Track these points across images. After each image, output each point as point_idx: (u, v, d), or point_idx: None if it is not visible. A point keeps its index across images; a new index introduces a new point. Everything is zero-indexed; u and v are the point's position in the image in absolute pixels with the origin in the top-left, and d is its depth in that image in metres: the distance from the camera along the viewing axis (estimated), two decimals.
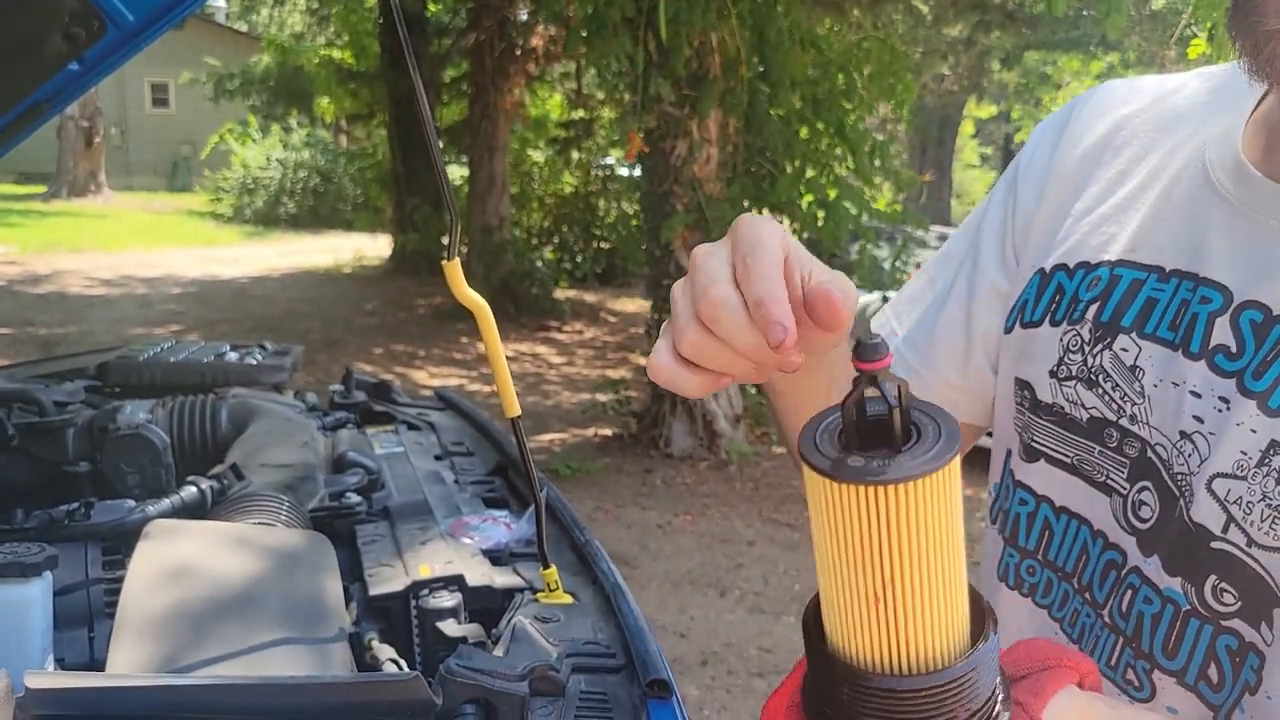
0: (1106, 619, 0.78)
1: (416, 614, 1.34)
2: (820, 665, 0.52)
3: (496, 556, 1.51)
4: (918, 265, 7.34)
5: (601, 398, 7.24)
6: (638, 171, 6.89)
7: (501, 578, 1.41)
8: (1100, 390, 0.79)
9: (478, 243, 11.43)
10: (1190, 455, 0.73)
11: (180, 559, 1.21)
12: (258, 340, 2.44)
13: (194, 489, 1.51)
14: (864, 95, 5.92)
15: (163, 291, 12.25)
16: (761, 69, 5.64)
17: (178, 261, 14.77)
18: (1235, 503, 0.70)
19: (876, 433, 0.48)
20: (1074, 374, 0.81)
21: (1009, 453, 0.90)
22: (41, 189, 22.33)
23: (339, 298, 12.34)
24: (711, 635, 4.09)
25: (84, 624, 1.31)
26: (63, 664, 1.24)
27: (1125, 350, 0.78)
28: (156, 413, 1.80)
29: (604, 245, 13.92)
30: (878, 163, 6.30)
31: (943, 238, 8.82)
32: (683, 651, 3.93)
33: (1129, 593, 0.76)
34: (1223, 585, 0.71)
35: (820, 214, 5.82)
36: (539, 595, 1.37)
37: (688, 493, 5.79)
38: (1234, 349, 0.72)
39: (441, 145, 13.27)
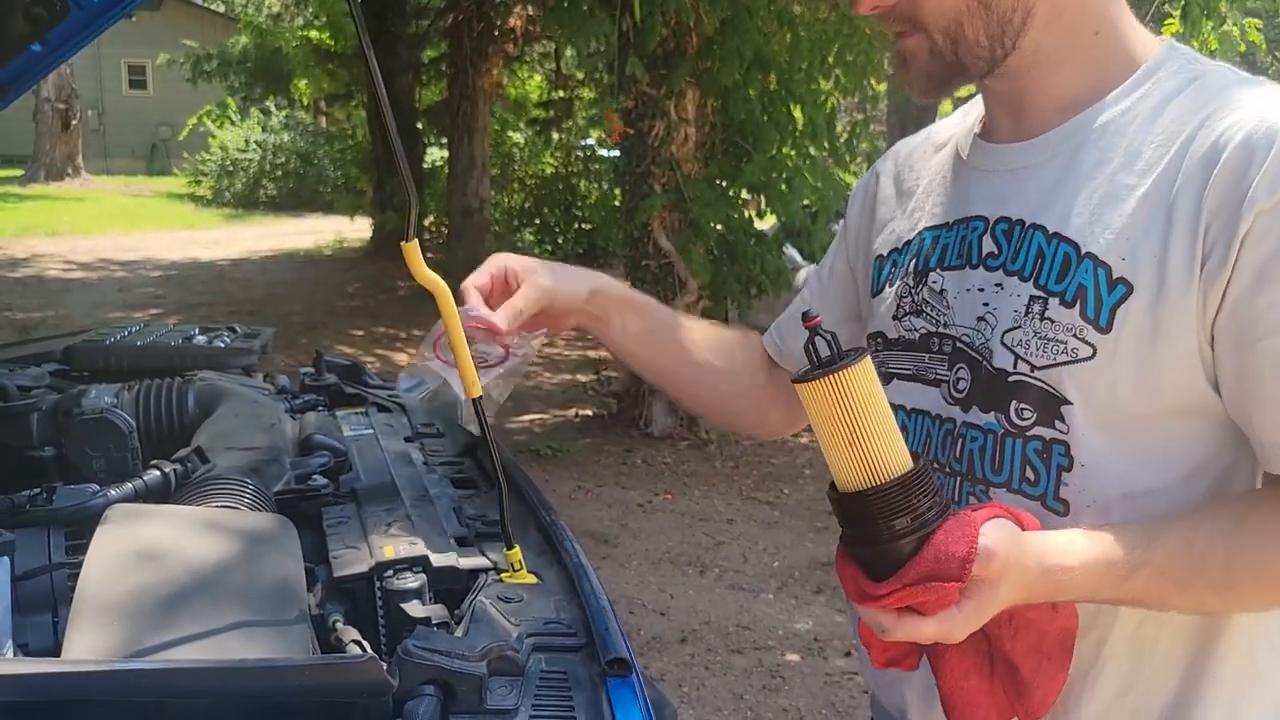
0: (949, 470, 1.08)
1: (381, 595, 1.34)
2: (837, 504, 0.91)
3: (462, 538, 1.51)
4: None
5: (582, 378, 7.25)
6: (617, 153, 6.87)
7: (466, 559, 1.41)
8: (925, 314, 1.13)
9: (458, 224, 11.39)
10: (985, 330, 1.05)
11: (140, 543, 1.21)
12: (237, 323, 2.43)
13: (157, 473, 1.51)
14: (840, 76, 5.90)
15: (142, 275, 12.18)
16: (738, 48, 5.61)
17: (157, 245, 14.68)
18: (1018, 346, 1.02)
19: (822, 359, 0.88)
20: (908, 310, 1.15)
21: None
22: (19, 172, 22.16)
23: (320, 280, 12.30)
24: (691, 613, 4.11)
25: (47, 609, 1.31)
26: (26, 649, 1.24)
27: (934, 282, 1.12)
28: (122, 397, 1.79)
29: (585, 226, 13.89)
30: (861, 145, 6.29)
31: None
32: (662, 629, 3.95)
33: (959, 441, 1.07)
34: (1022, 405, 1.01)
35: (786, 191, 5.80)
36: (503, 576, 1.37)
37: (668, 472, 5.80)
38: (996, 251, 1.07)
39: (421, 126, 13.22)
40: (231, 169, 20.03)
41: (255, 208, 19.50)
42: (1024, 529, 0.93)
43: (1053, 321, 0.99)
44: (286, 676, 0.97)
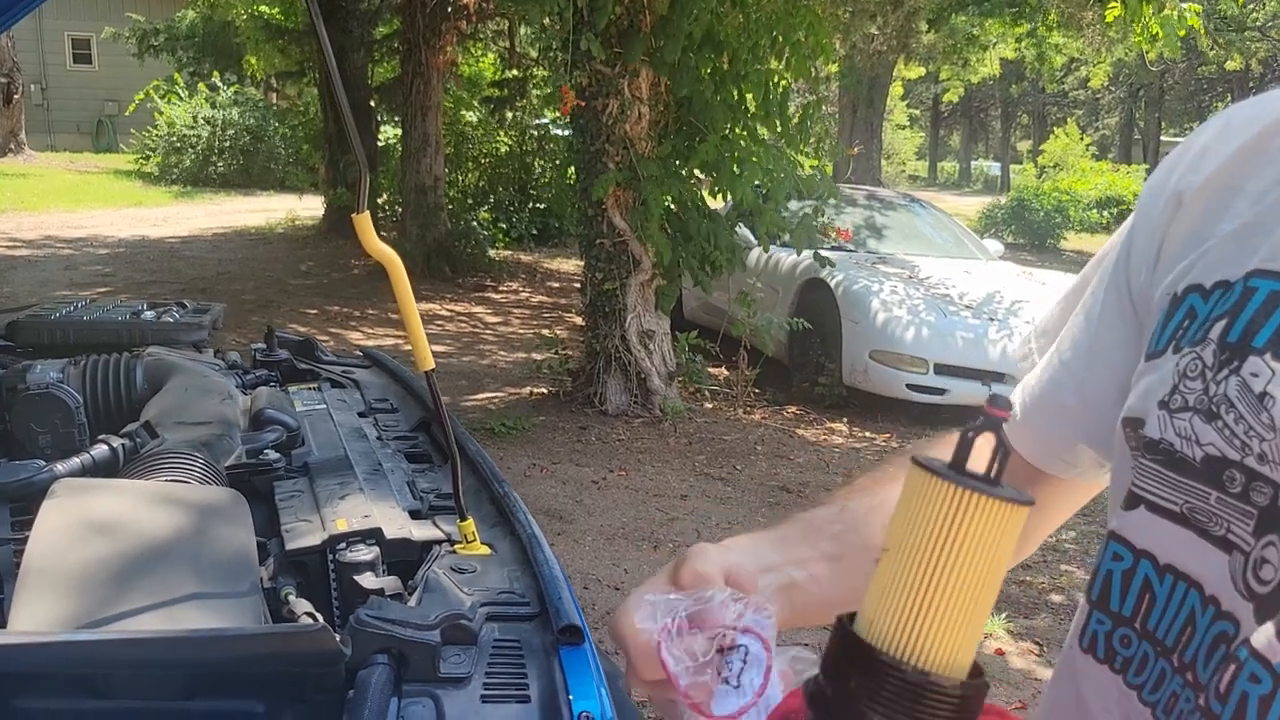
0: (1202, 703, 0.63)
1: (334, 568, 1.34)
2: (842, 635, 0.55)
3: (416, 511, 1.51)
4: (837, 229, 7.40)
5: (537, 356, 7.23)
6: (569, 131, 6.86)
7: (420, 531, 1.41)
8: (1221, 423, 0.65)
9: (412, 203, 11.29)
10: None
11: (88, 517, 1.20)
12: (188, 300, 2.40)
13: (105, 447, 1.49)
14: (790, 58, 5.91)
15: (89, 253, 11.97)
16: (688, 27, 5.61)
17: (104, 222, 14.43)
18: None
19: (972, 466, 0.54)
20: (1190, 404, 0.68)
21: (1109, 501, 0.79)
22: None
23: (272, 258, 12.15)
24: None
25: None
26: None
27: (1255, 375, 0.64)
28: (69, 372, 1.77)
29: (539, 205, 13.84)
30: (811, 125, 6.30)
31: (871, 197, 8.88)
32: (616, 603, 3.96)
33: (1231, 667, 0.61)
34: None
35: (738, 173, 5.82)
36: (457, 547, 1.38)
37: (622, 449, 5.81)
38: None
39: (374, 104, 13.08)
40: (180, 145, 19.69)
41: (205, 185, 19.20)
42: None
43: None
44: (236, 646, 0.97)
